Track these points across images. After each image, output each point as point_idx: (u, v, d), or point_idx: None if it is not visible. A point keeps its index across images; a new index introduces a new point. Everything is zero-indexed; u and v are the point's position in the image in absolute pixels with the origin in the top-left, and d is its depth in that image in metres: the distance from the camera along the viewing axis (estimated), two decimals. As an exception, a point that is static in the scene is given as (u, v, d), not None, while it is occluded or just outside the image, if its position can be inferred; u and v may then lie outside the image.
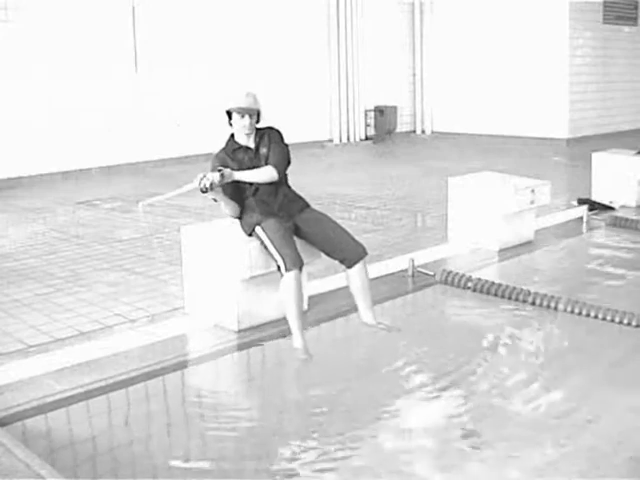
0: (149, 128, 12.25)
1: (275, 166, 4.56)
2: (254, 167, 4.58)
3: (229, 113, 4.61)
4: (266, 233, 4.48)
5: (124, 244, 7.03)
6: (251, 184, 4.58)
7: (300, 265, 4.37)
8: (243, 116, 4.54)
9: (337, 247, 4.61)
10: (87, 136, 11.52)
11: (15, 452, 3.24)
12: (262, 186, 4.59)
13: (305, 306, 5.03)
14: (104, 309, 5.14)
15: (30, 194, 10.06)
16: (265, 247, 4.50)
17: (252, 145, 4.65)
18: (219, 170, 4.38)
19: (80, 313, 5.07)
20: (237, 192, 4.59)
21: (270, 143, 4.65)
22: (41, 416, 3.67)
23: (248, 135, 4.63)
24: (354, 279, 4.66)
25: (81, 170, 11.53)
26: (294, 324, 4.37)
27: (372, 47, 15.73)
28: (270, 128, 4.75)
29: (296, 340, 4.34)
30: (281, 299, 4.41)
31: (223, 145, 4.72)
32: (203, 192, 4.29)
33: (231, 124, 4.63)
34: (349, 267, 4.64)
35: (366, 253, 4.67)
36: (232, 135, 4.70)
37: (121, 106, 11.92)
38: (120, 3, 11.80)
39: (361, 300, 4.68)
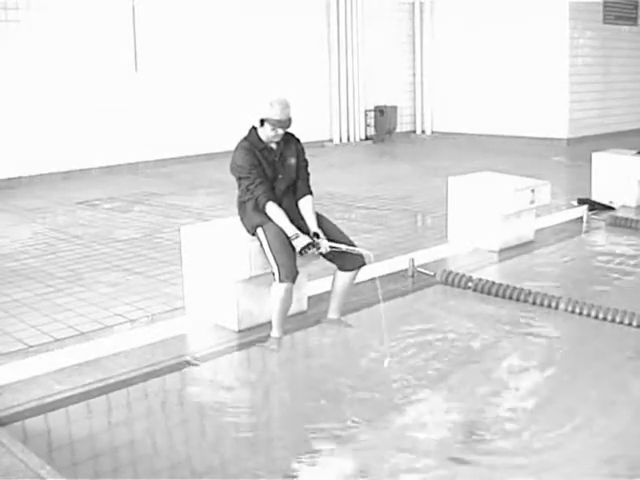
0: (149, 128, 12.24)
1: (311, 194, 4.67)
2: (279, 173, 4.55)
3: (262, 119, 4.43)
4: (267, 237, 4.46)
5: (124, 244, 7.03)
6: (273, 180, 4.55)
7: (294, 277, 4.39)
8: (281, 128, 4.45)
9: (340, 253, 4.57)
10: (87, 136, 11.51)
11: (15, 452, 3.24)
12: (277, 188, 4.56)
13: (305, 306, 5.06)
14: (104, 309, 5.14)
15: (30, 194, 10.05)
16: (263, 250, 4.50)
17: (274, 147, 4.59)
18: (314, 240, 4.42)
19: (80, 313, 5.07)
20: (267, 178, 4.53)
21: (299, 159, 4.66)
22: (41, 416, 3.67)
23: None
24: (341, 281, 4.70)
25: (81, 170, 11.52)
26: (276, 322, 4.55)
27: (372, 47, 15.73)
28: (296, 138, 4.69)
29: (274, 332, 4.56)
30: (270, 301, 4.53)
31: (248, 137, 4.54)
32: (301, 253, 4.41)
33: (261, 124, 4.45)
34: (343, 271, 4.66)
35: (364, 264, 4.66)
36: (255, 129, 4.55)
37: (121, 106, 11.92)
38: (120, 3, 11.80)
39: (337, 301, 4.79)
